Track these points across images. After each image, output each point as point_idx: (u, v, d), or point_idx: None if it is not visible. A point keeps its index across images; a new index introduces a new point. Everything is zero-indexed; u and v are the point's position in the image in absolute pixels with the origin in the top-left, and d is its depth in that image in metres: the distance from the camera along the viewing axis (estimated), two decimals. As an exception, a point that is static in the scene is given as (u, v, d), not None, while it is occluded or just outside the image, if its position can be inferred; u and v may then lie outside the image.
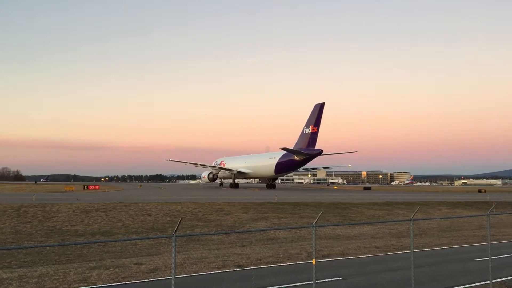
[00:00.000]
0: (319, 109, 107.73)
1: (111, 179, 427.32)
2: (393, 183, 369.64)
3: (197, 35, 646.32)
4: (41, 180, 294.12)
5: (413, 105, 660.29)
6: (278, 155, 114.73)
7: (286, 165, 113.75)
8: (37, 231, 32.07)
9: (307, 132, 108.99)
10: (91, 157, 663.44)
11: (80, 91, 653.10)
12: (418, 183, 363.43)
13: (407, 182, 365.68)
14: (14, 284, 14.84)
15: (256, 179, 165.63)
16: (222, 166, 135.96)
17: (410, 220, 14.32)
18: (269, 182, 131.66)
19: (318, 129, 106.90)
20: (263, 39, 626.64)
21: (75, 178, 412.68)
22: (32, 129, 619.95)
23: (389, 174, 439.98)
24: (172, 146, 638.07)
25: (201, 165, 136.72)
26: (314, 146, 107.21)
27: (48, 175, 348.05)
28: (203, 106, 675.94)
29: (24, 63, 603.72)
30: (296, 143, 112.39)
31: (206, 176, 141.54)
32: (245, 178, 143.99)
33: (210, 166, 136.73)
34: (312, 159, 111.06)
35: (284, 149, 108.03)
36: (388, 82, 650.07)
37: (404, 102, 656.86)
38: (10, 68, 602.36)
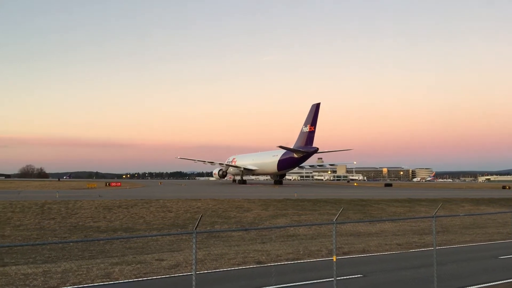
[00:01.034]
0: (315, 109, 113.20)
1: (132, 176, 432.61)
2: (414, 179, 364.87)
3: (222, 34, 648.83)
4: (64, 177, 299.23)
5: (436, 101, 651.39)
6: (280, 153, 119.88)
7: (287, 162, 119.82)
8: (60, 227, 32.68)
9: (305, 131, 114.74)
10: (112, 154, 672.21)
11: (103, 89, 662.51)
12: (441, 180, 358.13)
13: (429, 178, 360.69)
14: (39, 279, 15.14)
15: (267, 176, 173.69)
16: (233, 163, 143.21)
17: (433, 217, 14.12)
18: (276, 179, 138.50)
19: (315, 128, 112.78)
20: (271, 38, 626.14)
21: (97, 175, 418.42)
22: (55, 127, 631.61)
23: (410, 171, 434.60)
24: (191, 143, 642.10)
25: (208, 162, 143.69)
26: (312, 144, 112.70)
27: (71, 173, 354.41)
28: (223, 103, 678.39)
29: (47, 64, 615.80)
30: (296, 142, 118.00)
31: (216, 173, 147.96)
32: (253, 174, 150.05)
33: (219, 164, 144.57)
34: (310, 156, 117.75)
35: (280, 147, 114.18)
36: (406, 78, 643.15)
37: (426, 97, 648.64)
38: (32, 69, 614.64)
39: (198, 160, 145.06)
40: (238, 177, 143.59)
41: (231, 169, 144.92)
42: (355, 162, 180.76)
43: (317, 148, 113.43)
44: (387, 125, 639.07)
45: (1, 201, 43.75)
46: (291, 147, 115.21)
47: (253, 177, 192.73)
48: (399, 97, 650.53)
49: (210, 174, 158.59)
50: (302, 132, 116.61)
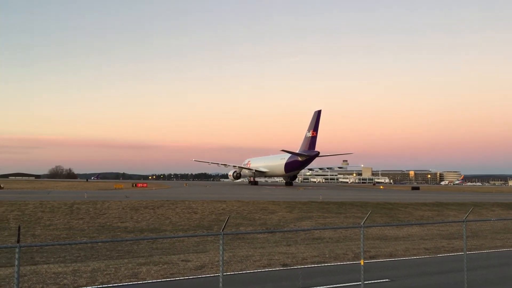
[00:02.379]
0: (317, 116, 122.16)
1: (158, 177, 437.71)
2: (442, 183, 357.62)
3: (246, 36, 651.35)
4: (92, 178, 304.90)
5: (463, 103, 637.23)
6: (287, 157, 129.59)
7: (292, 165, 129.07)
8: (89, 227, 33.30)
9: (308, 136, 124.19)
10: (139, 155, 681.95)
11: (132, 92, 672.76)
12: (469, 183, 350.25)
13: (457, 182, 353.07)
14: (69, 278, 15.43)
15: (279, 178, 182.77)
16: (248, 165, 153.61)
17: (463, 221, 13.81)
18: (287, 180, 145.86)
19: (316, 133, 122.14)
20: (288, 41, 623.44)
21: (124, 176, 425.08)
22: (84, 129, 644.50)
23: (438, 174, 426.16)
24: (216, 144, 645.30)
25: (222, 164, 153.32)
26: (314, 148, 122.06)
27: (99, 173, 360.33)
28: (249, 104, 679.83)
29: (78, 66, 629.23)
30: (301, 146, 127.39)
31: (231, 174, 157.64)
32: (265, 176, 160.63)
33: (232, 166, 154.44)
34: (312, 159, 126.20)
35: (283, 151, 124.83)
36: (433, 79, 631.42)
37: (454, 99, 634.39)
38: (65, 71, 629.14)
39: (212, 163, 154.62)
40: (260, 179, 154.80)
41: (244, 171, 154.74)
42: (362, 165, 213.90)
43: (318, 152, 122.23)
44: (414, 127, 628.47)
45: (32, 201, 44.89)
46: (295, 151, 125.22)
47: (269, 180, 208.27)
48: (425, 98, 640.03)
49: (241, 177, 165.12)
50: (305, 137, 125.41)
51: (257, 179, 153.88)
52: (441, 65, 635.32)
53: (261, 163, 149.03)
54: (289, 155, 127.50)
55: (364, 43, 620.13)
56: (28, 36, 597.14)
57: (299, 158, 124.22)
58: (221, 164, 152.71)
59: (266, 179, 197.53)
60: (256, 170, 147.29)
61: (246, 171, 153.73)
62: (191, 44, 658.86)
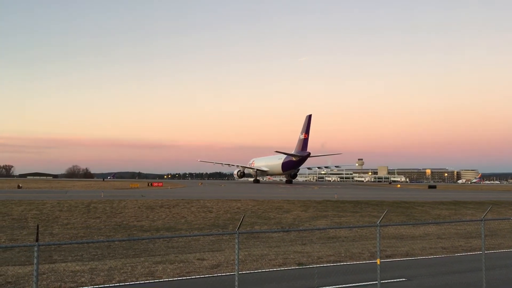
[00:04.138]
0: (308, 120, 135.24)
1: (173, 176, 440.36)
2: (459, 181, 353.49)
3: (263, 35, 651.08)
4: (109, 177, 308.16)
5: (480, 101, 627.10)
6: (283, 157, 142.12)
7: (288, 165, 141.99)
8: (105, 226, 33.65)
9: (301, 138, 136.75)
10: (154, 155, 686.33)
11: (147, 91, 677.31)
12: (487, 182, 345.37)
13: (474, 180, 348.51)
14: (86, 276, 15.60)
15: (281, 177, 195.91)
16: (252, 165, 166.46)
17: (481, 220, 13.61)
18: (288, 178, 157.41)
19: (308, 135, 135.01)
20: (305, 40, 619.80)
21: (140, 175, 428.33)
22: (100, 128, 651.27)
23: (455, 172, 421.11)
24: (231, 143, 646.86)
25: (226, 164, 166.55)
26: (306, 149, 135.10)
27: (115, 173, 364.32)
28: (266, 105, 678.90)
29: (94, 65, 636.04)
30: (295, 147, 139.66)
31: (236, 173, 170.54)
32: (266, 175, 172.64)
33: (236, 166, 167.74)
34: (305, 159, 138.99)
35: (277, 151, 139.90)
36: (449, 77, 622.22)
37: (470, 97, 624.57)
38: (81, 71, 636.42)
39: (216, 163, 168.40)
40: (258, 177, 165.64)
41: (247, 170, 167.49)
42: (357, 164, 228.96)
43: (309, 153, 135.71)
44: (431, 125, 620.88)
45: (50, 200, 45.58)
46: (289, 152, 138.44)
47: (272, 178, 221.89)
48: (442, 96, 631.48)
49: (249, 175, 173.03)
50: (299, 139, 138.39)
51: (261, 177, 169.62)
52: (461, 62, 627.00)
53: (263, 163, 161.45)
54: (285, 155, 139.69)
55: (379, 41, 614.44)
56: (43, 35, 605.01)
57: (293, 158, 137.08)
58: (225, 164, 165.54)
59: (270, 177, 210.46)
60: (257, 169, 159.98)
61: (249, 170, 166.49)
62: (212, 40, 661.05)
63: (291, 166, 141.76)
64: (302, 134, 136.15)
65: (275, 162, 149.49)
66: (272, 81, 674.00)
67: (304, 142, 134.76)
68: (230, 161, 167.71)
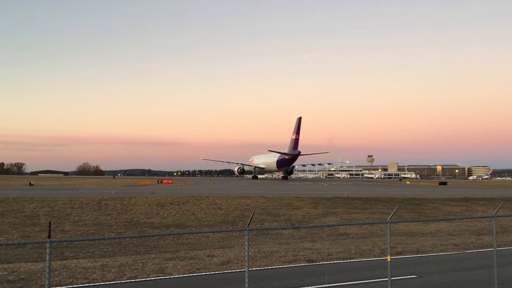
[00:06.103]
0: (299, 121, 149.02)
1: (182, 173, 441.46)
2: (470, 178, 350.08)
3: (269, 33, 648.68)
4: (119, 174, 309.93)
5: (492, 96, 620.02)
6: (278, 155, 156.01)
7: (281, 162, 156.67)
8: (116, 223, 33.89)
9: (292, 138, 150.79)
10: (164, 152, 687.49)
11: (155, 89, 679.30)
12: (499, 178, 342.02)
13: (485, 176, 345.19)
14: (97, 273, 15.73)
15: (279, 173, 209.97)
16: (252, 163, 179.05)
17: (493, 216, 13.49)
18: (284, 175, 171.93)
19: (299, 135, 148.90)
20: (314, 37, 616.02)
21: (150, 172, 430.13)
22: (110, 126, 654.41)
23: (466, 169, 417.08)
24: (239, 140, 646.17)
25: (226, 162, 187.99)
26: (297, 148, 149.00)
27: (125, 170, 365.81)
28: (277, 100, 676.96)
29: (101, 63, 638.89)
30: (288, 146, 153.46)
31: (236, 170, 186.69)
32: (264, 172, 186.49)
33: (236, 163, 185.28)
34: (296, 158, 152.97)
35: (270, 151, 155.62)
36: (459, 73, 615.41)
37: (480, 93, 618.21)
38: (89, 68, 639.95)
39: (217, 160, 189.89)
40: (258, 174, 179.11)
41: (247, 167, 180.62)
42: (348, 161, 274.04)
43: (300, 152, 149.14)
44: (441, 121, 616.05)
45: (61, 197, 45.99)
46: (282, 151, 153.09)
47: (270, 175, 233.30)
48: (453, 92, 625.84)
49: (249, 172, 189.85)
50: (291, 139, 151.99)
51: (266, 174, 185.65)
52: (473, 57, 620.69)
53: (261, 160, 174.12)
54: (280, 154, 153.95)
55: (389, 37, 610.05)
56: (55, 33, 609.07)
57: (286, 157, 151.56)
58: (226, 162, 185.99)
59: (267, 174, 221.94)
60: (256, 166, 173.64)
61: (249, 167, 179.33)
62: (217, 40, 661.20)
63: (285, 163, 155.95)
64: (293, 135, 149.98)
65: (271, 160, 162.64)
66: (276, 79, 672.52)
67: (295, 142, 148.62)
68: (236, 159, 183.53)
